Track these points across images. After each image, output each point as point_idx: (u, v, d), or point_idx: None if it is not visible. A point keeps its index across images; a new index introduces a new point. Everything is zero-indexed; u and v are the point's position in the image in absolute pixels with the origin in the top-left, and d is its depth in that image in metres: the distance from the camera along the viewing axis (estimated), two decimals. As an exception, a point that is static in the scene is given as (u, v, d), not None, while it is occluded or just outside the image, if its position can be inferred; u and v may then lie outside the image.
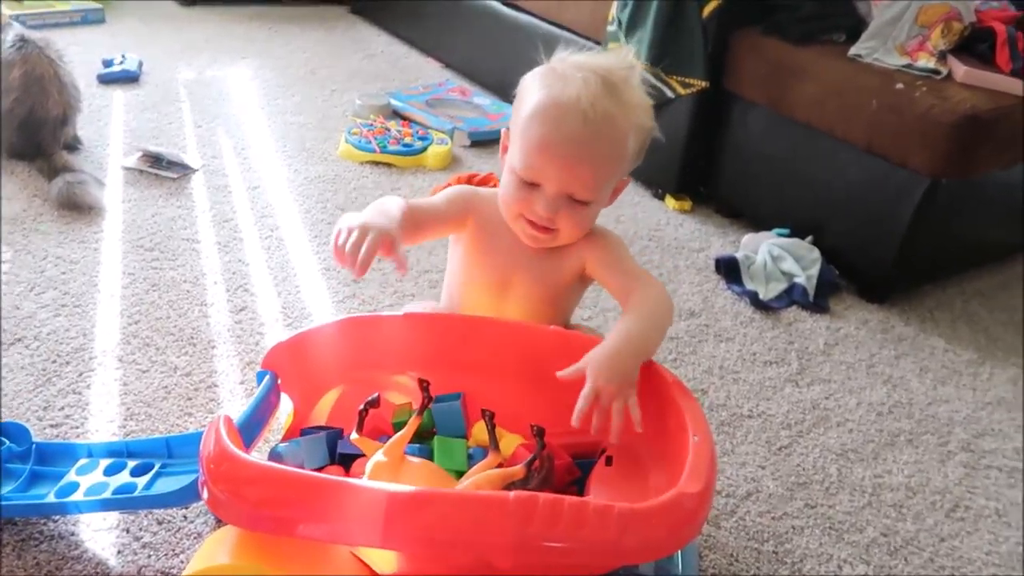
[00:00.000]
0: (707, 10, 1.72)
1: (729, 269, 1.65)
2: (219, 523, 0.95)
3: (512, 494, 0.62)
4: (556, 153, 0.85)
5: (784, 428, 1.27)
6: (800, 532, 1.08)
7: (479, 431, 0.91)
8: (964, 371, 1.47)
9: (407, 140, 2.03)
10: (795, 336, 1.50)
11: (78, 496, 0.91)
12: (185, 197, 1.73)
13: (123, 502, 0.90)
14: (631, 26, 1.83)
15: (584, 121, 0.83)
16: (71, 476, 0.94)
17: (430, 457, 0.88)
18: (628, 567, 0.76)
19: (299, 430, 0.93)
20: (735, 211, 1.92)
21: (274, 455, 0.88)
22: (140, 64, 2.35)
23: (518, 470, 0.79)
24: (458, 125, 2.15)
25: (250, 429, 0.82)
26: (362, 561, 0.73)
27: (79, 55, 2.38)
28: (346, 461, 0.88)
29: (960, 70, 1.53)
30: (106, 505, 0.90)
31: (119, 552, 0.93)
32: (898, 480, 1.19)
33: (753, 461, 1.19)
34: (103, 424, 1.11)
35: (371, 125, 2.09)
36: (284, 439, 0.92)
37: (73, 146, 1.83)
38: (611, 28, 1.91)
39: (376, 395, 0.87)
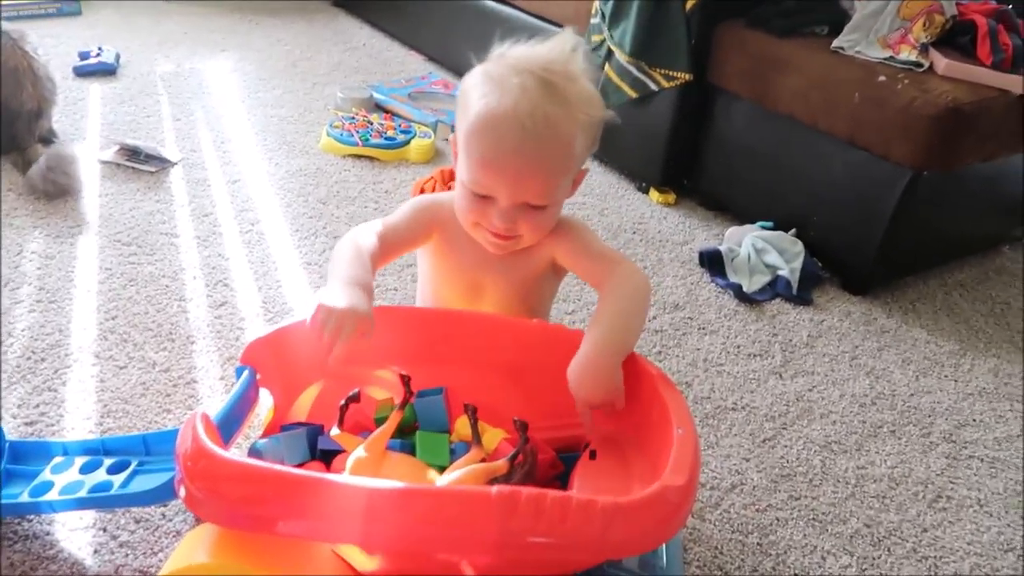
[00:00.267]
0: (690, 3, 1.71)
1: (713, 262, 1.65)
2: (198, 521, 0.93)
3: (494, 489, 0.61)
4: (500, 169, 0.83)
5: (768, 420, 1.27)
6: (784, 524, 1.08)
7: (462, 426, 0.90)
8: (946, 362, 1.47)
9: (389, 133, 2.01)
10: (779, 328, 1.51)
11: (53, 495, 0.89)
12: (163, 191, 1.71)
13: (99, 501, 0.88)
14: (614, 19, 1.83)
15: (523, 132, 0.80)
16: (46, 475, 0.92)
17: (413, 452, 0.87)
18: (612, 561, 0.76)
19: (279, 426, 0.92)
20: (719, 204, 1.92)
21: (254, 452, 0.86)
22: (117, 56, 2.32)
23: (501, 464, 0.78)
24: (441, 118, 2.13)
25: (228, 426, 0.81)
26: (343, 559, 0.72)
27: (55, 47, 2.35)
28: (327, 457, 0.87)
29: (942, 63, 1.54)
30: (82, 504, 0.88)
31: (96, 551, 0.91)
32: (881, 471, 1.20)
33: (737, 453, 1.19)
34: (79, 421, 1.09)
35: (353, 118, 2.07)
36: (264, 435, 0.91)
37: (48, 139, 1.79)
38: (594, 21, 1.90)
39: (357, 391, 0.86)
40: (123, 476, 0.89)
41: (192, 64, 2.43)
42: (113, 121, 1.98)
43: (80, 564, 0.90)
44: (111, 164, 1.78)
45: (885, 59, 1.59)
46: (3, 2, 2.55)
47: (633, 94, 1.84)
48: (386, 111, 2.21)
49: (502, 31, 2.29)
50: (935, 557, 1.06)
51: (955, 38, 1.61)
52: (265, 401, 0.92)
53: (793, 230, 1.70)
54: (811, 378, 1.38)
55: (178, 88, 2.24)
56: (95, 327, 1.27)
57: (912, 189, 1.51)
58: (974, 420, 1.33)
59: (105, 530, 0.94)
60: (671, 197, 1.93)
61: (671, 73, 1.78)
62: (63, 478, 0.91)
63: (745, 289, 1.58)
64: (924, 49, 1.58)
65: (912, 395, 1.37)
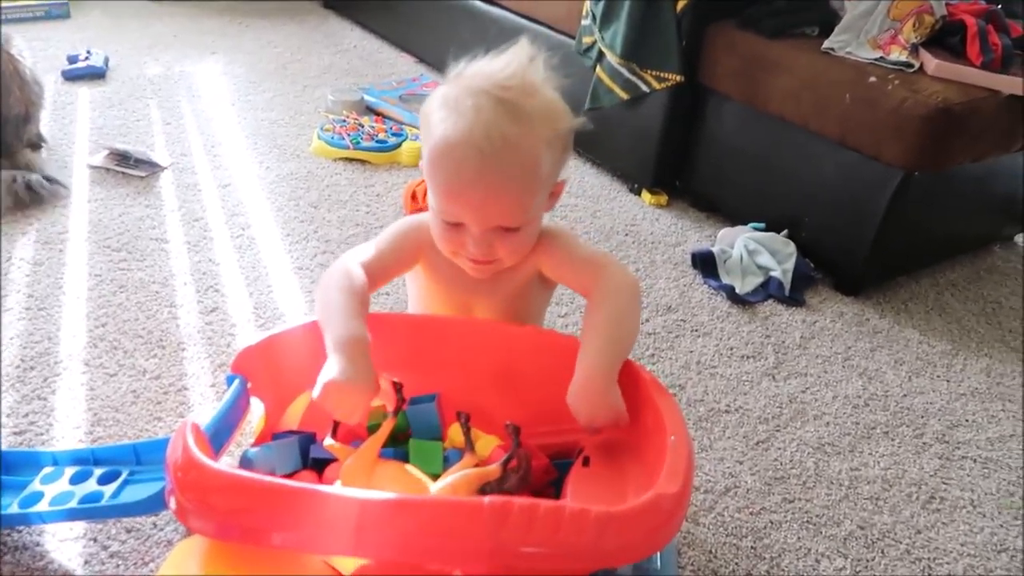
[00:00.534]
0: (681, 4, 1.71)
1: (705, 264, 1.65)
2: (189, 531, 0.93)
3: (487, 500, 0.60)
4: (464, 197, 0.80)
5: (761, 423, 1.27)
6: (778, 527, 1.08)
7: (455, 433, 0.89)
8: (938, 362, 1.48)
9: (381, 136, 2.01)
10: (771, 330, 1.51)
11: (43, 506, 0.88)
12: (153, 196, 1.70)
13: (89, 511, 0.87)
14: (605, 20, 1.82)
15: (482, 157, 0.77)
16: (35, 485, 0.92)
17: (406, 460, 0.86)
18: (606, 569, 0.75)
19: (271, 435, 0.91)
20: (711, 205, 1.92)
21: (245, 461, 0.86)
22: (106, 60, 2.31)
23: (493, 469, 0.78)
24: (432, 120, 2.12)
25: (219, 435, 0.80)
26: (335, 570, 0.72)
27: (43, 51, 2.34)
28: (319, 466, 0.87)
29: (932, 63, 1.54)
30: (72, 515, 0.88)
31: (86, 562, 0.91)
32: (874, 473, 1.20)
33: (731, 456, 1.19)
34: (69, 431, 1.08)
35: (344, 121, 2.06)
36: (255, 444, 0.90)
37: (37, 144, 1.78)
38: (585, 22, 1.90)
39: None
40: (114, 486, 0.89)
41: (182, 67, 2.41)
42: (102, 125, 1.97)
43: (71, 575, 0.89)
44: (100, 169, 1.76)
45: (875, 60, 1.59)
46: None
47: (625, 96, 1.84)
48: (377, 114, 2.20)
49: (494, 33, 2.28)
50: (929, 558, 1.07)
51: (945, 38, 1.61)
52: (256, 409, 0.91)
53: (785, 231, 1.70)
54: (804, 379, 1.38)
55: (168, 91, 2.23)
56: (85, 334, 1.27)
57: (903, 189, 1.51)
58: (967, 420, 1.34)
59: (96, 540, 0.93)
60: (663, 199, 1.93)
61: (662, 74, 1.78)
62: (53, 488, 0.90)
63: (738, 291, 1.58)
64: (914, 49, 1.58)
65: (905, 396, 1.38)
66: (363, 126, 2.05)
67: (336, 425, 0.84)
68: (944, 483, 1.20)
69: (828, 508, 1.12)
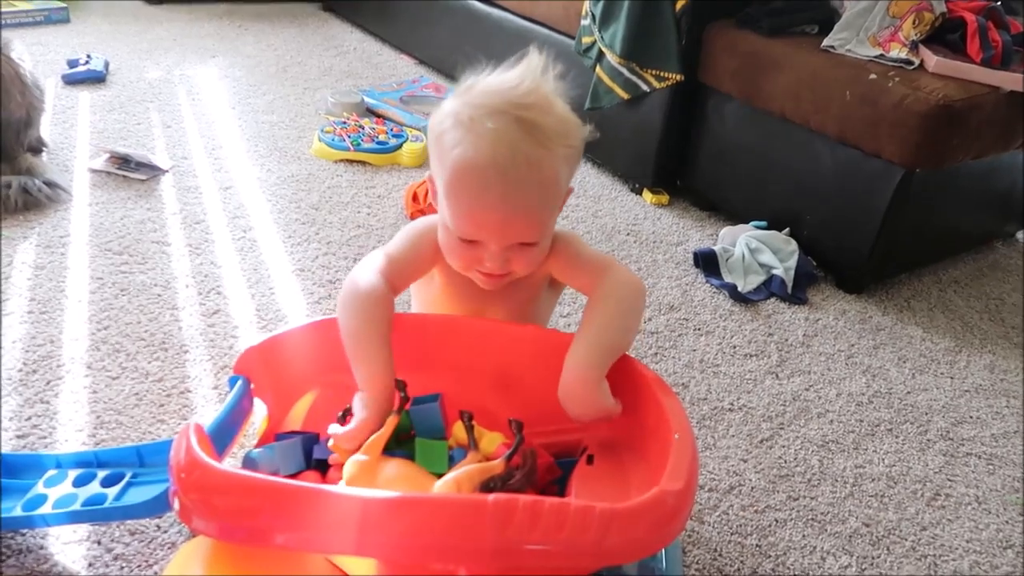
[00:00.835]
0: (680, 3, 1.71)
1: (707, 262, 1.65)
2: (193, 533, 0.93)
3: (491, 497, 0.60)
4: (487, 218, 0.80)
5: (765, 421, 1.27)
6: (783, 525, 1.08)
7: (459, 430, 0.89)
8: (941, 359, 1.47)
9: (381, 137, 2.01)
10: (774, 328, 1.51)
11: (46, 509, 0.88)
12: (154, 199, 1.70)
13: (93, 514, 0.87)
14: (605, 20, 1.83)
15: (506, 180, 0.77)
16: (39, 488, 0.91)
17: (411, 460, 0.86)
18: (611, 566, 0.75)
19: (274, 435, 0.91)
20: (712, 204, 1.92)
21: (248, 461, 0.85)
22: (106, 64, 2.31)
23: (497, 464, 0.77)
24: (433, 122, 2.12)
25: (222, 436, 0.80)
26: (340, 570, 0.72)
27: (43, 56, 2.34)
28: (322, 466, 0.87)
29: (932, 60, 1.54)
30: (75, 517, 0.87)
31: (90, 565, 0.90)
32: (879, 470, 1.20)
33: (735, 455, 1.19)
34: (72, 433, 1.08)
35: (344, 123, 2.06)
36: (258, 445, 0.90)
37: (38, 148, 1.78)
38: (585, 22, 1.90)
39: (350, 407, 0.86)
40: (117, 489, 0.88)
41: (182, 70, 2.42)
42: (103, 129, 1.97)
43: (74, 578, 0.89)
44: (101, 172, 1.77)
45: (875, 57, 1.59)
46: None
47: (625, 95, 1.84)
48: (377, 115, 2.20)
49: (493, 34, 2.29)
50: (934, 555, 1.06)
51: (945, 35, 1.61)
52: (259, 410, 0.91)
53: (786, 229, 1.70)
54: (807, 377, 1.38)
55: (168, 95, 2.23)
56: (87, 337, 1.26)
57: (904, 187, 1.51)
58: (971, 417, 1.33)
59: (100, 543, 0.93)
60: (664, 198, 1.93)
61: (662, 74, 1.78)
62: (56, 491, 0.90)
63: (740, 289, 1.58)
64: (914, 47, 1.58)
65: (908, 393, 1.37)
66: (363, 128, 2.05)
67: (344, 414, 0.84)
68: (949, 480, 1.20)
69: (833, 505, 1.12)
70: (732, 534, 1.05)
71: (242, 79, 2.40)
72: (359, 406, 0.80)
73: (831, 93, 1.56)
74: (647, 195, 1.94)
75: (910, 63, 1.56)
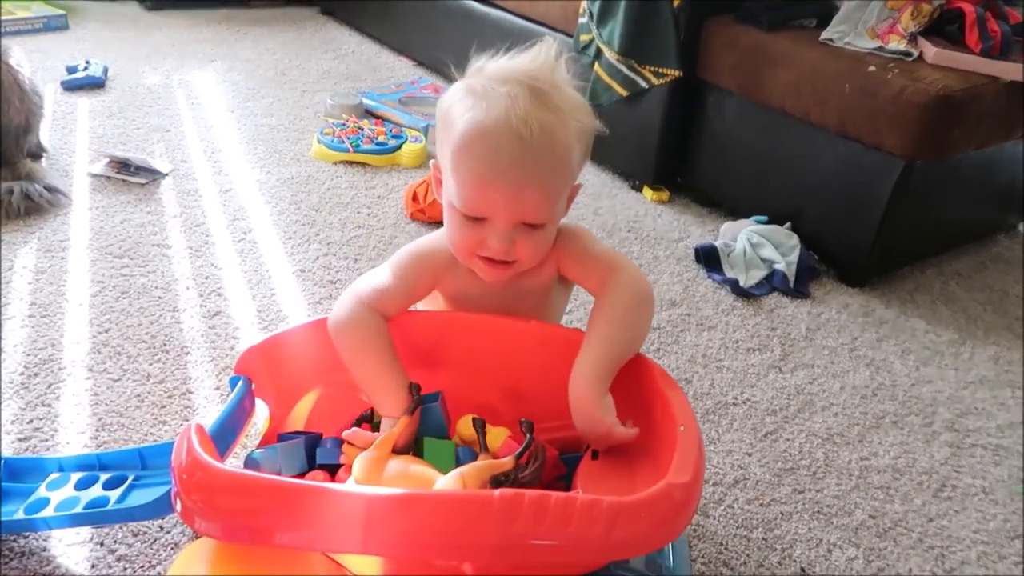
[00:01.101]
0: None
1: (709, 258, 1.64)
2: (196, 534, 0.92)
3: (497, 493, 0.60)
4: (497, 186, 0.77)
5: (769, 414, 1.26)
6: (789, 518, 1.07)
7: (463, 427, 0.89)
8: (945, 351, 1.47)
9: (380, 139, 2.00)
10: (777, 322, 1.50)
11: (49, 512, 0.88)
12: (154, 202, 1.69)
13: (95, 516, 0.87)
14: (603, 18, 1.82)
15: (520, 143, 0.74)
16: (41, 491, 0.91)
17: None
18: (619, 561, 0.74)
19: (276, 436, 0.91)
20: (713, 200, 1.91)
21: (250, 462, 0.85)
22: (105, 70, 2.31)
23: (506, 462, 0.77)
24: (431, 122, 2.12)
25: (224, 437, 0.80)
26: (344, 569, 0.71)
27: (42, 62, 2.34)
28: (332, 469, 0.86)
29: (931, 52, 1.54)
30: (78, 520, 0.87)
31: (93, 566, 0.90)
32: (884, 462, 1.19)
33: (740, 449, 1.18)
34: (74, 436, 1.08)
35: (343, 125, 2.06)
36: (261, 445, 0.89)
37: (38, 154, 1.78)
38: (583, 20, 1.90)
39: (370, 411, 0.86)
40: (119, 491, 0.88)
41: (181, 75, 2.42)
42: (102, 134, 1.97)
43: (78, 581, 0.89)
44: (101, 177, 1.76)
45: (874, 49, 1.58)
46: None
47: (624, 92, 1.84)
48: (376, 117, 2.20)
49: (491, 34, 2.29)
50: (941, 547, 1.06)
51: (943, 26, 1.61)
52: (261, 411, 0.90)
53: (788, 223, 1.69)
54: (811, 371, 1.37)
55: (167, 99, 2.23)
56: (88, 340, 1.26)
57: (905, 179, 1.50)
58: (976, 408, 1.33)
59: (103, 544, 0.93)
60: (665, 194, 1.93)
61: (661, 70, 1.77)
62: (59, 494, 0.90)
63: (742, 284, 1.58)
64: (913, 38, 1.58)
65: (913, 385, 1.37)
66: (363, 129, 2.05)
67: (360, 422, 0.84)
68: (955, 471, 1.19)
69: (839, 498, 1.11)
70: (738, 528, 1.05)
71: (241, 83, 2.40)
72: (387, 426, 0.83)
73: (831, 86, 1.56)
74: (647, 192, 1.94)
75: (909, 55, 1.55)
